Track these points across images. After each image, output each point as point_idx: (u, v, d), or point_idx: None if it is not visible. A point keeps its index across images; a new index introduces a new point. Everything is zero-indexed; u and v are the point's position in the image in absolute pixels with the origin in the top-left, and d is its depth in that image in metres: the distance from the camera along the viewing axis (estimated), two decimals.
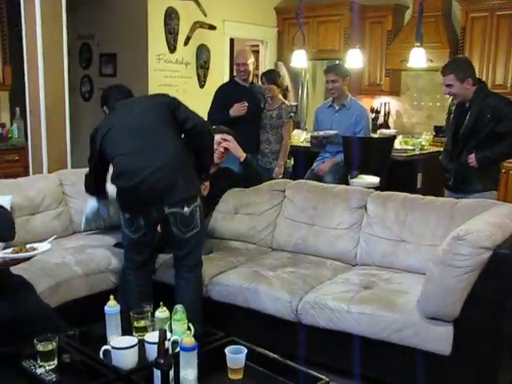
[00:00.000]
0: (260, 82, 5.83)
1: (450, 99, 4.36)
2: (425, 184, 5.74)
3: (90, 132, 3.35)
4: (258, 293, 3.33)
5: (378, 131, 7.47)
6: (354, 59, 5.69)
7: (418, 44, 5.35)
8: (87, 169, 3.55)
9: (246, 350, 2.33)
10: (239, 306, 3.40)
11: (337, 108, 5.26)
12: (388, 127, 7.67)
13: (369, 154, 4.81)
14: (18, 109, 5.86)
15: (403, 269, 3.50)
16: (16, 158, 5.59)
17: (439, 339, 2.83)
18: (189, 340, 2.23)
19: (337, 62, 6.86)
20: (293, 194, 4.05)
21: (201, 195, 3.31)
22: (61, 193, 4.10)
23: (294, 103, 7.70)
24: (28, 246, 2.85)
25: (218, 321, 3.22)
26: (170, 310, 2.57)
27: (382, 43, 7.53)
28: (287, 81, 7.86)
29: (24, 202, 3.84)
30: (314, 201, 3.93)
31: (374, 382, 3.06)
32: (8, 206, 3.59)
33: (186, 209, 3.11)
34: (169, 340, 2.35)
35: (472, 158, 4.05)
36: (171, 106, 3.28)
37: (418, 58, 5.35)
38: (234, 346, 2.34)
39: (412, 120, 7.67)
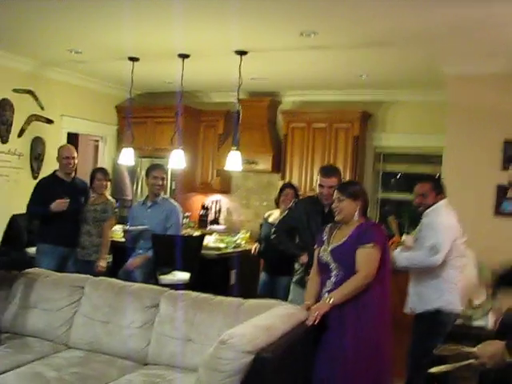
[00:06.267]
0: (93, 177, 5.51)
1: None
2: (240, 280, 5.72)
3: None
4: None
5: (209, 227, 7.51)
6: (177, 159, 5.70)
7: (235, 148, 5.47)
8: None
9: None
10: None
11: (149, 204, 5.21)
12: (218, 223, 7.70)
13: (177, 252, 4.73)
14: None
15: (191, 368, 3.33)
16: None
17: None
18: None
19: None
20: (91, 291, 3.85)
21: None
22: None
23: (129, 198, 7.59)
24: None
25: None
26: None
27: (214, 145, 7.68)
28: (125, 176, 7.75)
29: None
30: (109, 299, 3.76)
31: None
32: None
33: None
34: None
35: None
36: None
37: (233, 161, 5.44)
38: None
39: (241, 218, 7.75)
